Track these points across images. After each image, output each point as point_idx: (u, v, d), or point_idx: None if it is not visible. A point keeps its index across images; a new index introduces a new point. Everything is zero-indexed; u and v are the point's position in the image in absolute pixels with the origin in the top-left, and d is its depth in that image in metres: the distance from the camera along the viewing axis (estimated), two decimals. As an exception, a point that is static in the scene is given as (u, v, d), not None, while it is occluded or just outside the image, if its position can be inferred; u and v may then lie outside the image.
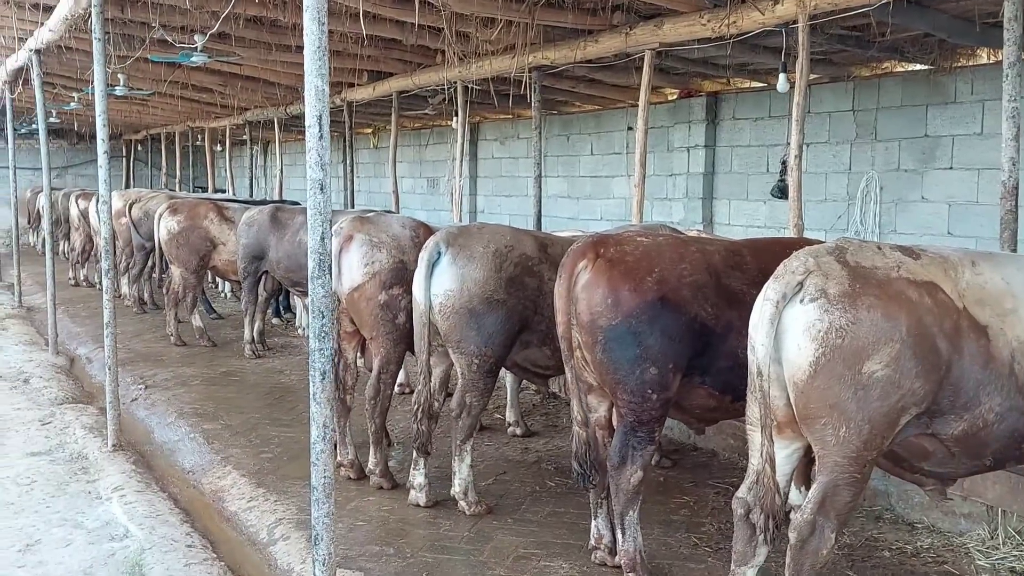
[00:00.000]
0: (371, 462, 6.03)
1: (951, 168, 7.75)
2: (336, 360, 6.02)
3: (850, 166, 8.68)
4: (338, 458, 6.23)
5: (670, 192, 10.96)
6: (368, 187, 18.21)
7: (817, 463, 3.58)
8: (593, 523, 4.86)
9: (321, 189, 3.42)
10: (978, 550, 4.74)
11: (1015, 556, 4.60)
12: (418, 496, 5.67)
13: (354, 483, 6.09)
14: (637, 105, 11.77)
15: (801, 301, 3.50)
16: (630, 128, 11.82)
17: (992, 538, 4.77)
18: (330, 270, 3.49)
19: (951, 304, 3.52)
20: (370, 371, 6.09)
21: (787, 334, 3.52)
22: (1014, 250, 4.69)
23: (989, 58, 7.36)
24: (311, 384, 3.45)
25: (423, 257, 5.40)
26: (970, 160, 7.56)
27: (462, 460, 5.57)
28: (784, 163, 9.39)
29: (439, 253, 5.40)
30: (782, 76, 6.64)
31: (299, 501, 5.64)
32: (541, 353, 5.67)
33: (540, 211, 9.10)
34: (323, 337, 3.43)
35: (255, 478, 6.15)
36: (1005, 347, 3.52)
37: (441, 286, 5.35)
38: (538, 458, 6.78)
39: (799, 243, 5.20)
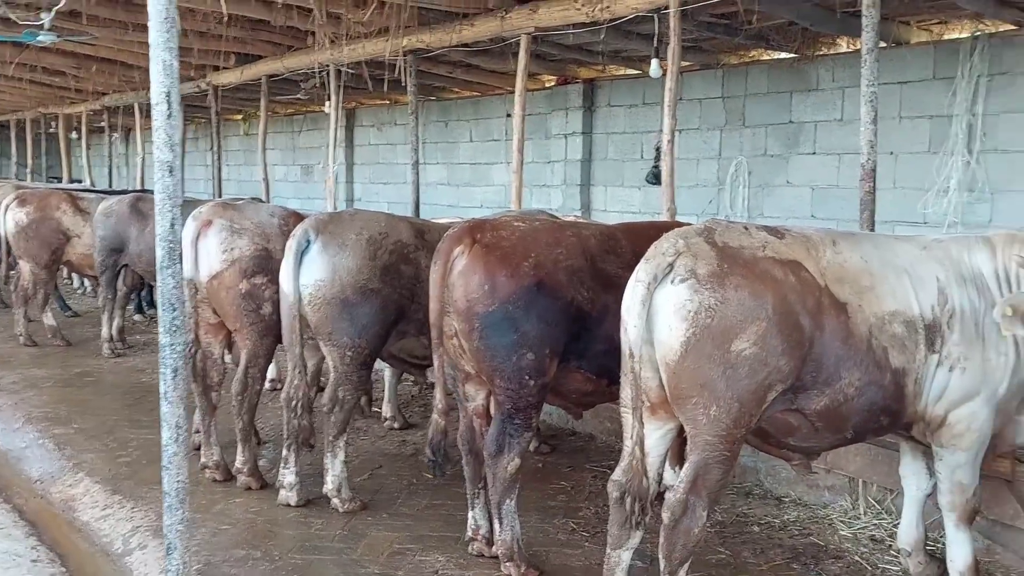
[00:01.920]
0: (239, 461, 5.76)
1: (814, 153, 8.02)
2: (194, 353, 5.73)
3: (720, 151, 8.88)
4: (203, 459, 5.94)
5: (548, 179, 10.98)
6: (239, 176, 17.58)
7: (689, 442, 3.59)
8: (470, 514, 4.77)
9: (170, 172, 3.19)
10: (841, 520, 4.91)
11: (875, 524, 4.78)
12: (288, 495, 5.43)
13: (220, 485, 5.79)
14: (515, 91, 11.85)
15: (672, 282, 3.49)
16: (509, 115, 11.75)
17: (854, 508, 4.94)
18: (180, 259, 3.25)
19: (814, 282, 3.59)
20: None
21: (658, 315, 3.51)
22: (872, 230, 4.85)
23: (848, 46, 7.64)
24: (161, 382, 3.22)
25: (291, 245, 5.17)
26: (831, 145, 7.84)
27: (335, 456, 5.38)
28: (658, 149, 9.55)
29: (308, 241, 5.19)
30: (654, 62, 6.69)
31: (159, 507, 5.23)
32: (419, 343, 5.53)
33: (418, 198, 8.96)
34: (174, 331, 3.20)
35: (110, 484, 5.77)
36: (863, 323, 3.62)
37: (311, 276, 5.14)
38: (415, 450, 6.64)
39: (672, 226, 5.22)
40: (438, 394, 4.38)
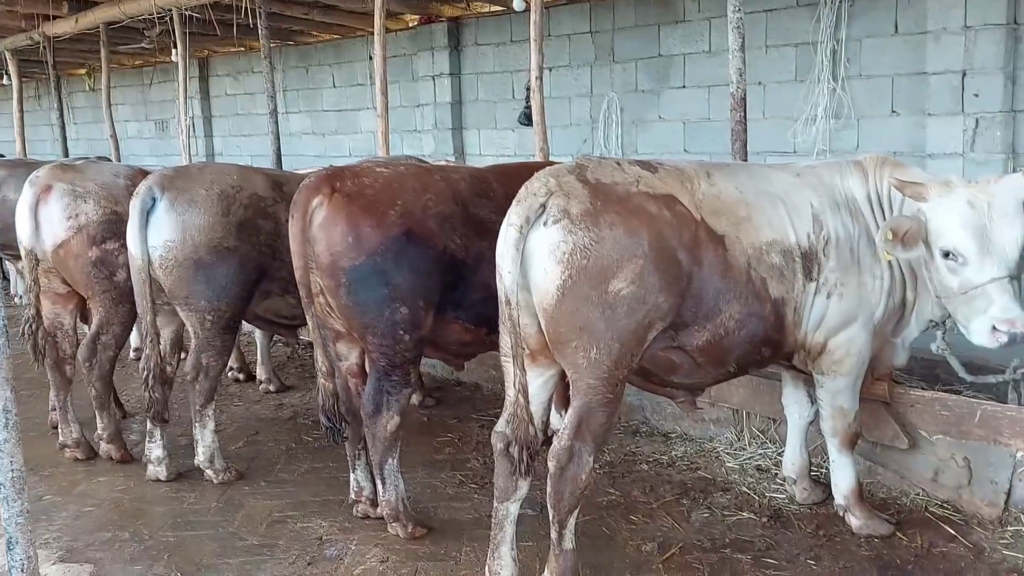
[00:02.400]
0: (99, 428, 5.43)
1: (684, 87, 7.96)
2: (35, 329, 5.27)
3: (591, 89, 8.73)
4: (60, 438, 5.52)
5: (418, 124, 10.62)
6: (88, 134, 16.42)
7: (571, 387, 3.46)
8: (352, 476, 4.56)
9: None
10: (727, 452, 4.93)
11: (760, 454, 4.82)
12: (157, 470, 5.13)
13: (82, 464, 5.41)
14: (375, 31, 11.34)
15: (544, 224, 3.32)
16: (371, 58, 11.29)
17: (739, 440, 4.97)
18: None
19: (689, 216, 3.48)
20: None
21: (533, 258, 3.34)
22: (745, 160, 4.80)
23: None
24: (-20, 363, 2.84)
25: (134, 205, 4.77)
26: (701, 78, 7.80)
27: (204, 426, 5.07)
28: (528, 89, 9.32)
29: (153, 199, 4.79)
30: (517, -7, 6.46)
31: None
32: (285, 303, 5.23)
33: (279, 148, 8.49)
34: (-10, 305, 2.81)
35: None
36: (741, 255, 3.54)
37: (159, 236, 4.76)
38: (293, 413, 6.35)
39: (544, 167, 5.07)
40: (319, 355, 4.11)
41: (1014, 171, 5.56)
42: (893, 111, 6.59)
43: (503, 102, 9.68)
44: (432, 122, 10.40)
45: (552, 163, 5.33)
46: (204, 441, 5.08)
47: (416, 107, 10.65)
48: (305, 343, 7.46)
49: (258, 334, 6.90)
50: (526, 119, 9.33)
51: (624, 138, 8.50)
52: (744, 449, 4.89)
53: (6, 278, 10.80)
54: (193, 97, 14.01)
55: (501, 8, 9.58)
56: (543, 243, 3.30)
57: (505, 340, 3.53)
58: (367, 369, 4.31)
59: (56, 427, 5.70)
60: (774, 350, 3.73)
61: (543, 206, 3.33)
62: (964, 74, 5.98)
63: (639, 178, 3.47)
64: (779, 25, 7.19)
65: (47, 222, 5.19)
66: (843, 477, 4.01)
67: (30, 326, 5.25)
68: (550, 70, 9.10)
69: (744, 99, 4.72)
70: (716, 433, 5.08)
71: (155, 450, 5.13)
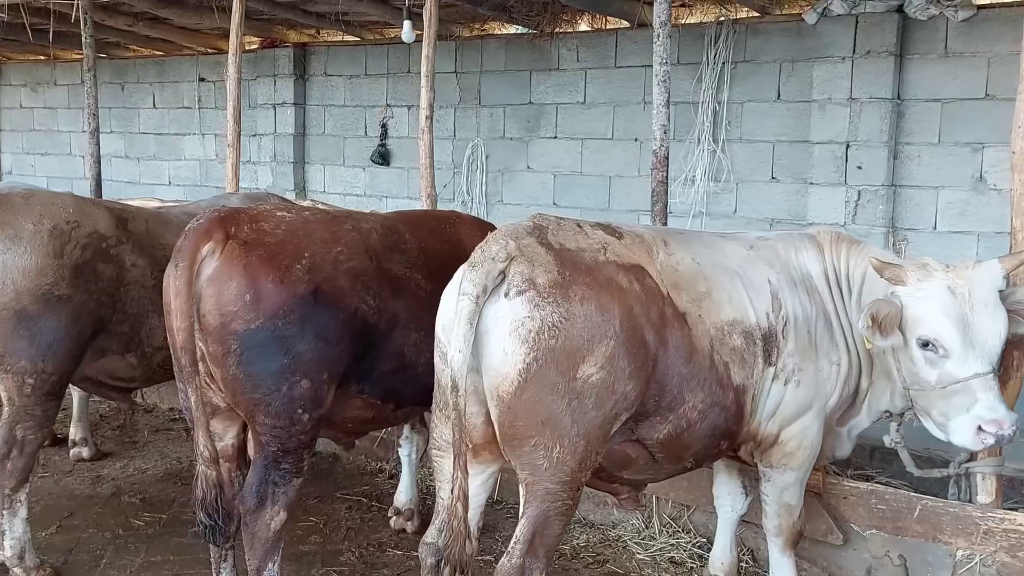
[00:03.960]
0: None
1: (555, 137, 7.66)
2: None
3: (455, 132, 8.26)
4: None
5: (255, 155, 9.73)
6: None
7: (524, 493, 2.91)
8: (215, 582, 3.75)
9: None
10: (635, 542, 4.48)
11: (672, 545, 4.40)
12: (-56, 571, 4.08)
13: None
14: (209, 52, 10.36)
15: (506, 295, 2.79)
16: (202, 79, 10.35)
17: (647, 527, 4.52)
18: None
19: (657, 290, 3.07)
20: None
21: (489, 336, 2.79)
22: (665, 223, 4.47)
23: (591, 25, 7.34)
24: None
25: (-62, 239, 3.78)
26: (574, 130, 7.52)
27: (14, 514, 4.11)
28: (384, 126, 8.79)
29: (-35, 233, 3.83)
30: (407, 24, 5.91)
31: None
32: (124, 363, 4.38)
33: (100, 173, 7.40)
34: None
35: None
36: (704, 336, 3.15)
37: (-31, 280, 3.79)
38: (116, 489, 5.35)
39: (451, 216, 4.54)
40: (200, 438, 3.31)
41: (907, 252, 5.62)
42: (773, 177, 6.57)
43: (354, 138, 9.03)
44: (271, 154, 9.57)
45: (455, 212, 4.84)
46: (13, 532, 4.10)
47: (252, 136, 9.76)
48: (132, 408, 6.41)
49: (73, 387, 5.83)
50: (380, 158, 8.78)
51: (489, 186, 8.09)
52: (654, 539, 4.45)
53: None
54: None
55: (355, 39, 8.98)
56: (504, 318, 2.76)
57: (443, 432, 2.97)
58: (249, 454, 3.58)
59: None
60: (731, 442, 3.36)
61: (502, 273, 2.80)
62: (848, 145, 6.02)
63: (605, 245, 3.02)
64: (658, 82, 7.04)
65: None
66: (785, 580, 3.67)
67: None
68: (408, 108, 8.59)
69: (667, 158, 4.41)
70: (620, 519, 4.63)
71: (-57, 545, 4.09)
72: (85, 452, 5.82)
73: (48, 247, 3.93)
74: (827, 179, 6.12)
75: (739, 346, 3.22)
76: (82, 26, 7.15)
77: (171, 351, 3.45)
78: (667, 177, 4.44)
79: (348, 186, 9.06)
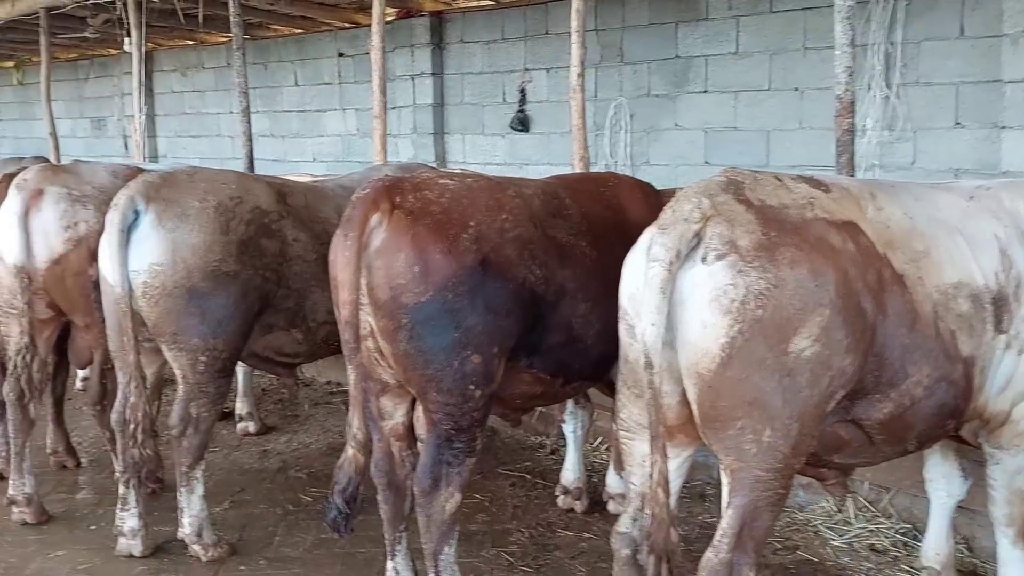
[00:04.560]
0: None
1: (705, 92, 7.22)
2: (30, 358, 4.41)
3: (596, 92, 7.92)
4: (10, 491, 4.54)
5: (394, 127, 9.66)
6: (15, 132, 15.03)
7: (729, 481, 2.64)
8: (390, 564, 3.66)
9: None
10: (827, 527, 4.13)
11: (871, 531, 4.01)
12: (131, 544, 4.20)
13: (33, 530, 4.41)
14: (347, 27, 10.36)
15: (704, 260, 2.51)
16: (341, 54, 10.37)
17: (840, 511, 4.15)
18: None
19: (873, 250, 2.72)
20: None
21: (685, 307, 2.53)
22: (852, 175, 4.07)
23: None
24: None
25: (112, 219, 3.84)
26: (726, 82, 7.06)
27: (192, 491, 4.14)
28: (523, 91, 8.54)
29: (136, 212, 3.87)
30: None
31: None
32: (290, 338, 4.36)
33: (252, 152, 7.48)
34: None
35: None
36: (926, 301, 2.78)
37: (144, 259, 3.84)
38: (282, 463, 5.40)
39: (609, 178, 4.29)
40: (355, 418, 3.21)
41: None
42: (957, 123, 5.96)
43: (492, 105, 8.83)
44: (411, 126, 9.49)
45: (614, 174, 4.57)
46: (191, 509, 4.15)
47: (391, 109, 9.66)
48: (298, 384, 6.49)
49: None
50: (519, 124, 8.54)
51: (634, 147, 7.73)
52: (850, 524, 4.08)
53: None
54: (128, 94, 12.82)
55: (490, 2, 8.77)
56: (702, 286, 2.49)
57: (631, 412, 2.73)
58: (418, 433, 3.45)
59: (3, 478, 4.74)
60: (957, 422, 2.98)
61: (697, 235, 2.52)
62: (1049, 83, 5.38)
63: (811, 199, 2.69)
64: (820, 25, 6.50)
65: (41, 234, 4.29)
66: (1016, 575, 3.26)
67: (24, 358, 4.30)
68: (547, 71, 8.32)
69: (852, 104, 4.00)
70: (807, 501, 4.29)
71: (129, 520, 4.19)
72: (251, 427, 5.93)
73: (214, 223, 3.92)
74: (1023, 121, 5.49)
75: (966, 311, 2.83)
76: (230, 7, 7.20)
77: (337, 325, 3.35)
78: (853, 125, 4.02)
79: (488, 155, 8.88)
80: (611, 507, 4.52)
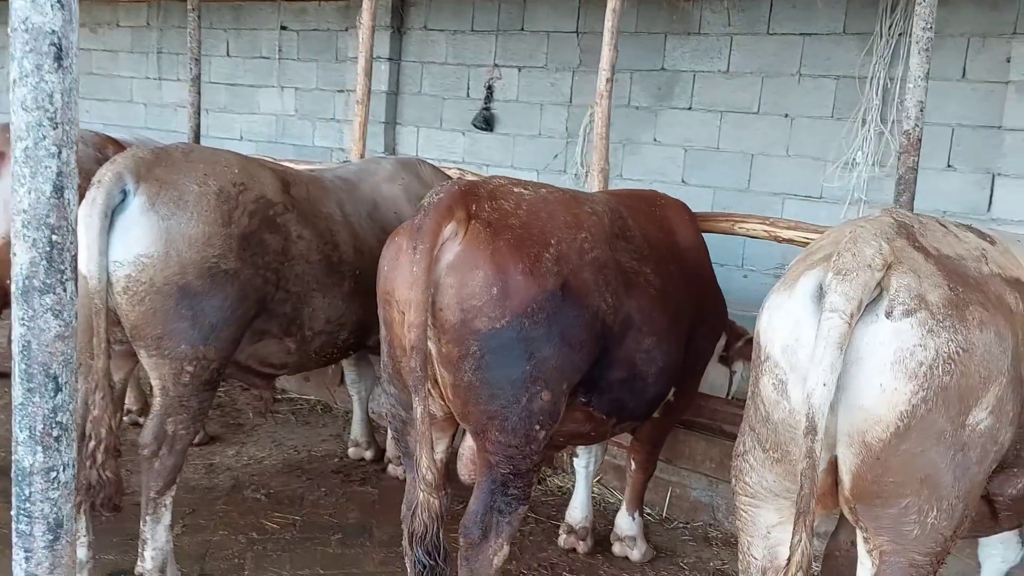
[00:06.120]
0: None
1: (690, 108, 6.98)
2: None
3: (571, 97, 7.58)
4: None
5: (339, 112, 9.08)
6: None
7: (876, 564, 2.31)
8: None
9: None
10: None
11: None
12: (74, 580, 3.51)
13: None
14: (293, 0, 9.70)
15: (888, 315, 2.16)
16: (284, 28, 9.66)
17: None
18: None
19: (1032, 312, 2.44)
20: None
21: (860, 367, 2.18)
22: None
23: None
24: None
25: (95, 198, 3.21)
26: (713, 100, 6.83)
27: (158, 520, 3.56)
28: (490, 88, 8.10)
29: (124, 192, 3.25)
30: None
31: None
32: (281, 347, 3.82)
33: (199, 127, 6.75)
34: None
35: None
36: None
37: (130, 249, 3.23)
38: (234, 481, 4.80)
39: (657, 198, 3.93)
40: (424, 460, 2.72)
41: None
42: (949, 165, 5.90)
43: (454, 99, 8.35)
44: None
45: (654, 191, 4.21)
46: (156, 541, 3.55)
47: (338, 92, 9.10)
48: (274, 398, 5.82)
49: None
50: (484, 123, 8.09)
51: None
52: None
53: None
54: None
55: (459, -9, 8.31)
56: (886, 345, 2.15)
57: (762, 478, 2.38)
58: (465, 475, 3.01)
59: None
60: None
61: (879, 285, 2.18)
62: (1051, 134, 5.36)
63: (983, 252, 2.40)
64: (818, 52, 6.36)
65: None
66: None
67: None
68: (519, 69, 7.91)
69: (920, 140, 3.78)
70: (821, 551, 4.05)
71: (79, 549, 3.52)
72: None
73: (215, 213, 3.35)
74: (1020, 171, 5.46)
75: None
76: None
77: (390, 349, 2.86)
78: (917, 163, 3.80)
79: (444, 151, 8.39)
80: (617, 549, 4.18)
